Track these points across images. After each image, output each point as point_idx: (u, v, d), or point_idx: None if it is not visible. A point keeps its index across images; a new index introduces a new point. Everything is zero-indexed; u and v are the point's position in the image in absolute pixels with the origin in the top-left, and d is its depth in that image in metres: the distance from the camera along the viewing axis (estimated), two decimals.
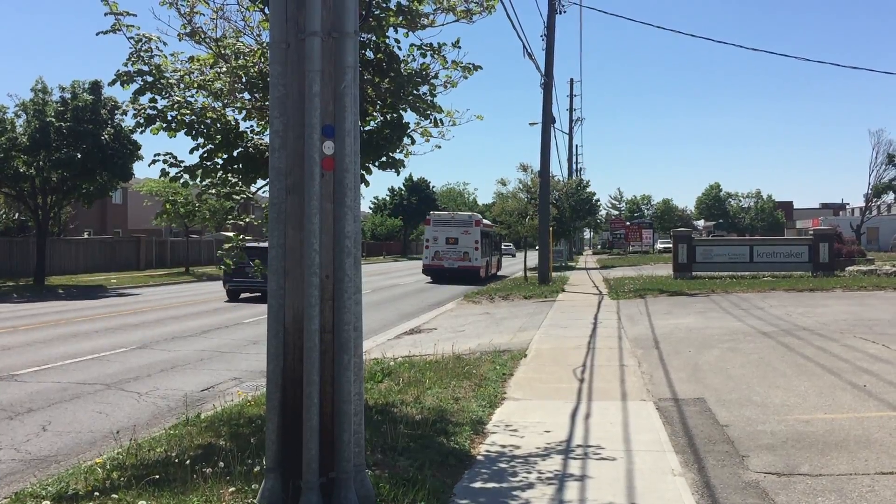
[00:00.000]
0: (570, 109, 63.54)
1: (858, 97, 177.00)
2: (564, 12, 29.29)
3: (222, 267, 8.42)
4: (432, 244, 31.52)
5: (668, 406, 8.41)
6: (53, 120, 30.41)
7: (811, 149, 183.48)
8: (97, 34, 7.38)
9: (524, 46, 23.88)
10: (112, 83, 7.56)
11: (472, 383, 9.45)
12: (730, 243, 33.64)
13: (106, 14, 7.21)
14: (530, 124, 35.84)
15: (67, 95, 31.80)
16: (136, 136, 32.40)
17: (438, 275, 31.40)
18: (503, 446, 6.81)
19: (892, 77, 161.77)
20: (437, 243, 31.82)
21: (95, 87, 32.26)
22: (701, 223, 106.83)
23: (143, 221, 56.98)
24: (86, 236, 49.07)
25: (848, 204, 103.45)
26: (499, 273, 39.69)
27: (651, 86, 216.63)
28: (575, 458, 6.44)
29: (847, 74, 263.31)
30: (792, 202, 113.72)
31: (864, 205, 57.09)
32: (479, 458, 6.48)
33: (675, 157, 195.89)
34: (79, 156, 30.50)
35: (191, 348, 14.33)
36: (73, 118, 30.85)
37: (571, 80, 63.65)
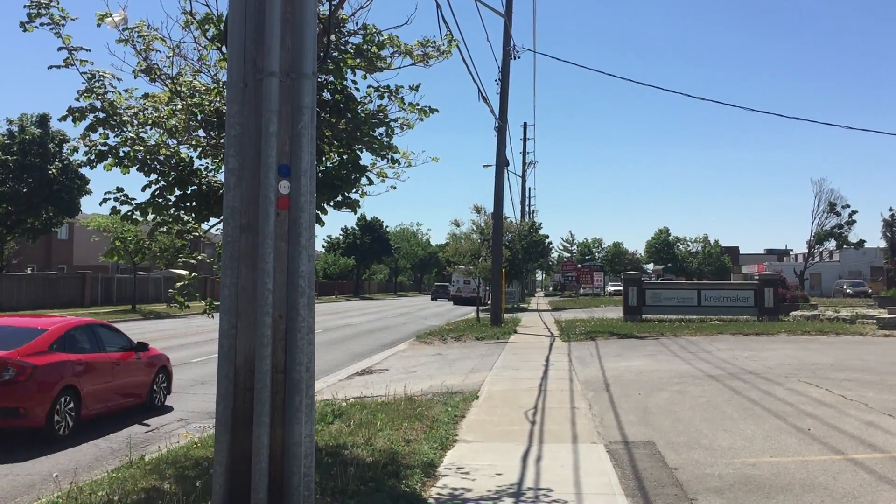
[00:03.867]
0: (524, 153, 64.46)
1: (801, 147, 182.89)
2: (519, 58, 29.88)
3: (174, 305, 8.30)
4: (457, 283, 50.46)
5: (618, 449, 8.45)
6: None
7: (756, 196, 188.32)
8: (49, 68, 7.29)
9: (479, 90, 24.23)
10: (63, 118, 7.45)
11: (424, 425, 9.39)
12: (678, 287, 34.20)
13: (59, 48, 7.14)
14: (484, 166, 37.33)
15: (15, 128, 31.27)
16: (84, 171, 31.95)
17: (458, 300, 48.85)
18: (454, 489, 6.76)
19: (833, 128, 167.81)
20: (459, 283, 50.71)
21: (43, 120, 31.81)
22: (650, 266, 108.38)
23: (90, 257, 55.75)
24: (29, 272, 47.83)
25: (791, 250, 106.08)
26: (489, 302, 44.45)
27: (602, 131, 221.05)
28: (526, 502, 6.42)
29: (790, 125, 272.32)
30: (738, 247, 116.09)
31: (806, 251, 58.61)
32: (430, 501, 6.42)
33: (625, 202, 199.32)
34: (24, 190, 29.91)
35: None
36: (19, 151, 30.31)
37: (525, 124, 64.76)
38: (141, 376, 11.52)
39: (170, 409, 12.13)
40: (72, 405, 9.68)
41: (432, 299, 72.01)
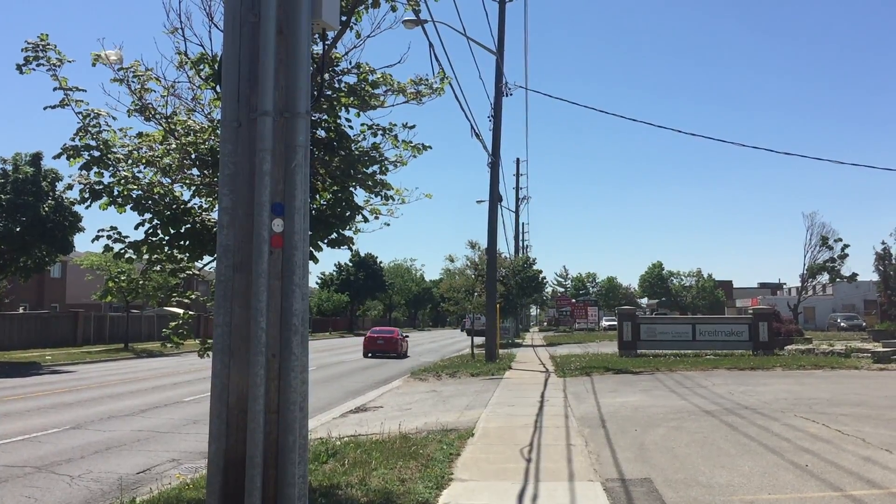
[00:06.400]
0: (517, 188, 64.76)
1: (793, 181, 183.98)
2: (511, 95, 30.16)
3: (168, 345, 8.23)
4: (472, 319, 52.23)
5: (615, 487, 8.37)
6: None
7: (749, 230, 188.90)
8: (45, 108, 7.35)
9: (472, 127, 24.32)
10: (57, 157, 7.48)
11: (419, 464, 9.30)
12: (673, 321, 34.18)
13: (55, 89, 7.19)
14: (478, 202, 37.83)
15: (8, 167, 31.31)
16: (78, 209, 31.96)
17: (471, 332, 50.56)
18: None
19: (824, 163, 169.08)
20: (472, 318, 52.79)
21: (36, 159, 31.85)
22: (645, 301, 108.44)
23: (83, 295, 55.53)
24: (21, 311, 47.57)
25: (785, 284, 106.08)
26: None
27: (595, 166, 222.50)
28: None
29: (782, 159, 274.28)
30: (731, 281, 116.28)
31: (800, 285, 58.67)
32: None
33: (618, 236, 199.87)
34: (18, 229, 29.86)
35: (127, 428, 13.84)
36: (13, 190, 30.31)
37: (518, 159, 65.02)
38: (405, 343, 41.14)
39: (407, 356, 39.81)
40: (402, 348, 40.16)
41: (461, 331, 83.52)
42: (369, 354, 39.06)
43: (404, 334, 43.56)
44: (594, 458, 9.92)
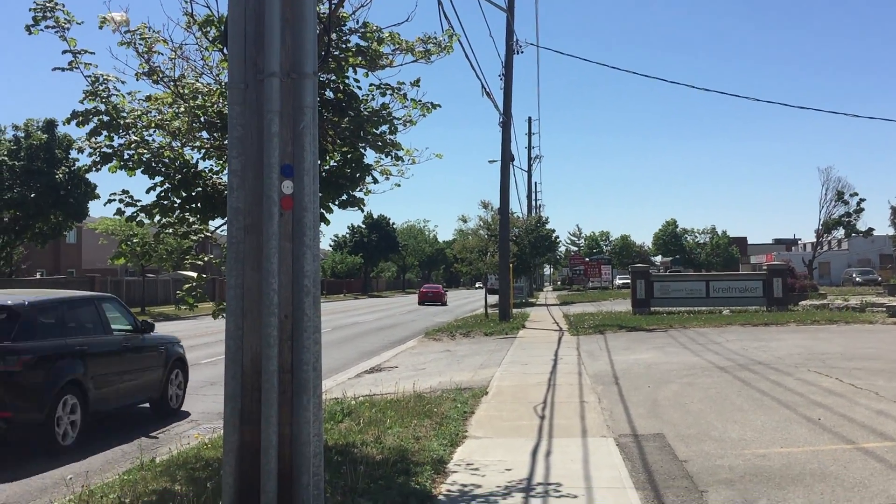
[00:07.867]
0: (529, 147, 64.30)
1: (808, 136, 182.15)
2: (522, 52, 29.88)
3: (183, 307, 8.30)
4: (492, 280, 51.17)
5: (628, 442, 8.44)
6: (6, 159, 29.97)
7: (764, 186, 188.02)
8: (53, 70, 7.34)
9: (483, 86, 24.08)
10: (67, 122, 7.47)
11: (433, 422, 9.39)
12: (687, 279, 34.10)
13: (64, 52, 7.17)
14: (489, 162, 37.27)
15: (21, 134, 31.38)
16: (91, 175, 32.06)
17: (492, 291, 50.36)
18: (464, 486, 6.77)
19: (839, 116, 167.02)
20: (491, 279, 52.05)
21: (50, 125, 31.90)
22: (659, 259, 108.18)
23: (99, 261, 55.95)
24: (38, 277, 48.01)
25: (800, 239, 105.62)
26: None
27: (608, 124, 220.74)
28: (536, 497, 6.42)
29: (796, 114, 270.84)
30: (746, 238, 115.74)
31: (815, 240, 58.37)
32: (440, 497, 6.43)
33: (632, 194, 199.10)
34: (32, 195, 30.03)
35: None
36: (26, 157, 30.42)
37: (530, 118, 64.62)
38: (446, 296, 60.47)
39: (447, 304, 55.87)
40: (445, 298, 58.53)
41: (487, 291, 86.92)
42: (422, 303, 55.01)
43: (445, 289, 59.65)
44: (607, 415, 10.00)
